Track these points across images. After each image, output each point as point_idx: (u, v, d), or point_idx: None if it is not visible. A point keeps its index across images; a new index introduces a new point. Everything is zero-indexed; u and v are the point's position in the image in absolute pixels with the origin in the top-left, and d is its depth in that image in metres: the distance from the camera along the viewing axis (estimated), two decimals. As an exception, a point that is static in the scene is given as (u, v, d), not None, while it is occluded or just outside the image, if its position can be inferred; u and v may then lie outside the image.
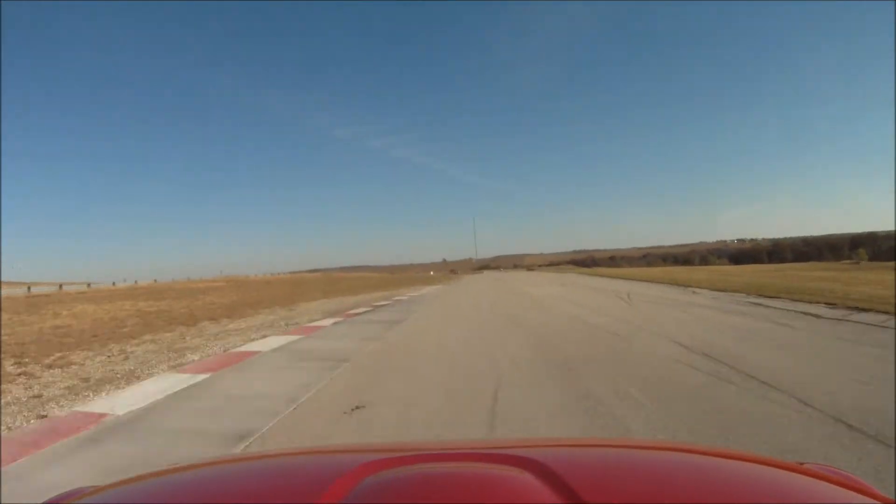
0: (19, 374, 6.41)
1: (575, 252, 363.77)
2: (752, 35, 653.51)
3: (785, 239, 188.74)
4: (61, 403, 4.97)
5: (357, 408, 4.40)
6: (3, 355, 7.68)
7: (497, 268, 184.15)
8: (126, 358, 7.51)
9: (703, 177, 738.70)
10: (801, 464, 0.88)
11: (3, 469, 3.29)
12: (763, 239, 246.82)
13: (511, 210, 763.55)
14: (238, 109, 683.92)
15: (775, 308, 11.22)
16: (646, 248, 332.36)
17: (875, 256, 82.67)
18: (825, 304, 11.15)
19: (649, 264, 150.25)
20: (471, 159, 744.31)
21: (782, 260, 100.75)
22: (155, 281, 52.96)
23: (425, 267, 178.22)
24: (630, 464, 0.87)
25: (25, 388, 5.66)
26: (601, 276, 39.48)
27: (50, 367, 6.89)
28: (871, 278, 19.19)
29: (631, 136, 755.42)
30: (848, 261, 62.53)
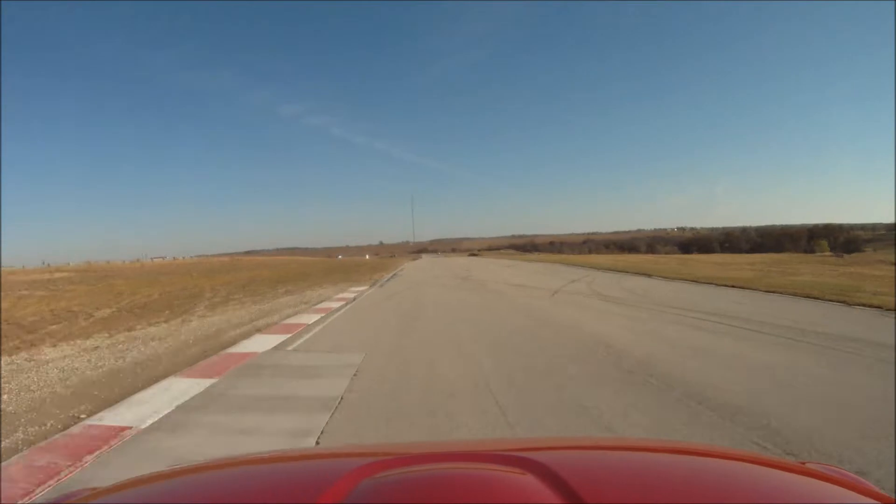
0: None
1: (513, 237, 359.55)
2: (691, 20, 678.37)
3: (726, 228, 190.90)
4: None
5: None
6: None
7: (435, 251, 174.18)
8: None
9: (639, 165, 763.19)
10: (803, 463, 0.89)
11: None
12: (701, 228, 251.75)
13: (449, 194, 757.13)
14: (168, 88, 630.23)
15: None
16: (583, 234, 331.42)
17: (831, 248, 79.93)
18: None
19: (591, 251, 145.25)
20: (411, 143, 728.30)
21: (737, 250, 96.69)
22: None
23: (362, 250, 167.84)
24: (632, 466, 0.85)
25: None
26: (596, 267, 26.17)
27: None
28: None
29: (567, 122, 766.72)
30: (828, 253, 56.89)
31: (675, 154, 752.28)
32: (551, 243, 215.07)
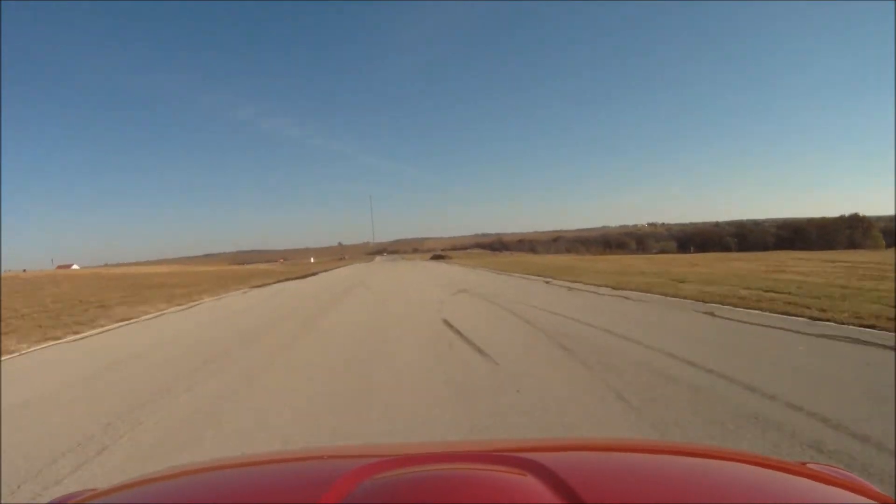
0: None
1: (477, 236, 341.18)
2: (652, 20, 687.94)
3: (697, 225, 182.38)
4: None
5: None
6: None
7: (395, 252, 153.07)
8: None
9: (599, 160, 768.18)
10: (804, 464, 0.87)
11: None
12: (673, 224, 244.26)
13: (410, 194, 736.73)
14: (126, 92, 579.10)
15: None
16: (550, 231, 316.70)
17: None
18: None
19: (568, 250, 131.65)
20: (369, 143, 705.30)
21: (755, 247, 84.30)
22: None
23: (320, 252, 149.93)
24: (632, 466, 0.84)
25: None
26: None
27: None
28: None
29: (525, 119, 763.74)
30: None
31: (631, 150, 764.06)
32: (520, 241, 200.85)
